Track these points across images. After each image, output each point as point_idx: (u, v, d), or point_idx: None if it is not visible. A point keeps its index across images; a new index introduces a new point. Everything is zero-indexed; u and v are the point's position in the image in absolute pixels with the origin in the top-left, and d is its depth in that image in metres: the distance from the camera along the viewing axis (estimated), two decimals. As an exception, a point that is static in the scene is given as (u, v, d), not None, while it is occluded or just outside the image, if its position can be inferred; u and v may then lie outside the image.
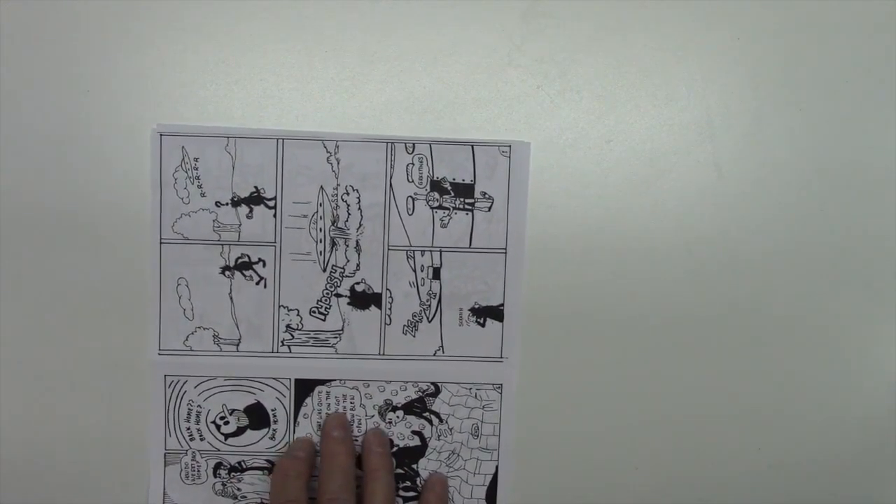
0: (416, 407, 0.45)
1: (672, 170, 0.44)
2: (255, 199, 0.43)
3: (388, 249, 0.44)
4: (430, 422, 0.45)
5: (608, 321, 0.45)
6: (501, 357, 0.45)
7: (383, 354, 0.44)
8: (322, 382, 0.44)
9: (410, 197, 0.43)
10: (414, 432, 0.45)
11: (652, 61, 0.44)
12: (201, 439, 0.45)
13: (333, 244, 0.43)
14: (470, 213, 0.44)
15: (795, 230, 0.45)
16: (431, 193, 0.44)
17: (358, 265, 0.44)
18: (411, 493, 0.46)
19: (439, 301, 0.44)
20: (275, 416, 0.45)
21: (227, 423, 0.45)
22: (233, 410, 0.44)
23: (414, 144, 0.43)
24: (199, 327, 0.44)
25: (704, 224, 0.44)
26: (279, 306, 0.44)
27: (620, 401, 0.45)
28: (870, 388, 0.46)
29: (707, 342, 0.45)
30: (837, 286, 0.45)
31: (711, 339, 0.45)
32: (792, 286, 0.45)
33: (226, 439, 0.45)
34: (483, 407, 0.45)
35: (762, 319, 0.45)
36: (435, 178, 0.43)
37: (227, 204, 0.43)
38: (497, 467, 0.45)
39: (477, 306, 0.44)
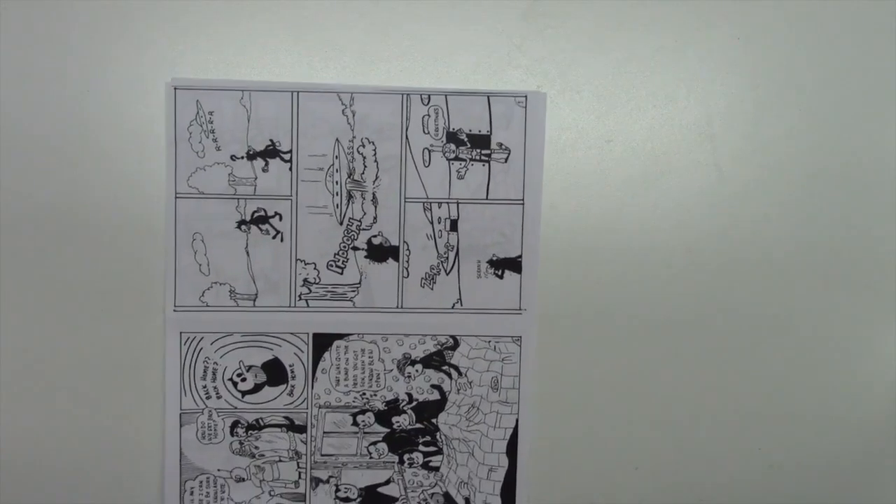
0: (435, 360, 0.45)
1: (672, 170, 0.44)
2: (271, 152, 0.43)
3: (405, 202, 0.44)
4: (450, 375, 0.45)
5: (607, 321, 0.45)
6: (520, 309, 0.44)
7: (401, 308, 0.44)
8: (340, 337, 0.44)
9: (427, 149, 0.43)
10: (433, 386, 0.45)
11: (652, 61, 0.44)
12: (218, 397, 0.44)
13: (350, 197, 0.43)
14: (486, 165, 0.44)
15: (795, 230, 0.45)
16: (448, 145, 0.43)
17: (375, 218, 0.43)
18: (432, 448, 0.45)
19: (457, 253, 0.44)
20: (293, 371, 0.44)
21: (244, 379, 0.44)
22: (250, 367, 0.44)
23: (430, 96, 0.43)
24: (215, 282, 0.43)
25: (704, 224, 0.45)
26: (296, 260, 0.43)
27: (620, 400, 0.45)
28: (870, 388, 0.47)
29: (707, 342, 0.45)
30: (837, 286, 0.45)
31: (711, 338, 0.45)
32: (792, 286, 0.45)
33: (243, 396, 0.44)
34: (502, 360, 0.45)
35: (762, 319, 0.45)
36: (451, 130, 0.43)
37: (242, 157, 0.43)
38: (517, 420, 0.45)
39: (495, 258, 0.44)
